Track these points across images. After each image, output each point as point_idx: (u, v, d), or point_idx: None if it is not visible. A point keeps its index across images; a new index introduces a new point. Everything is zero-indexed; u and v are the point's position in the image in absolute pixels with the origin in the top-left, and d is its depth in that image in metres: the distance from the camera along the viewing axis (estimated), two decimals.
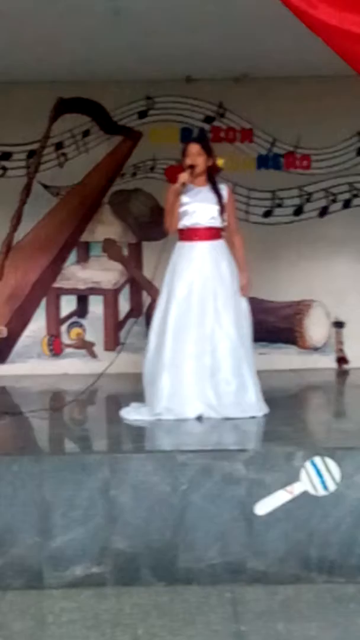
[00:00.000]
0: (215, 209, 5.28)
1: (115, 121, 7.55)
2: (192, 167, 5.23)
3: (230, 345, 5.19)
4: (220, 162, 5.41)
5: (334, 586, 4.08)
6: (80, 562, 4.13)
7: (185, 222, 5.28)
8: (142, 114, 7.56)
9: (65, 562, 4.12)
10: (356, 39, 4.06)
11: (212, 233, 5.29)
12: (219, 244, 5.32)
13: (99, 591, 4.04)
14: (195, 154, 5.26)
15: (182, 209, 5.26)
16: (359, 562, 4.15)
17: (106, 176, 7.59)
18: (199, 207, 5.27)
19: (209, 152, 5.31)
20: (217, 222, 5.29)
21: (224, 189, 5.38)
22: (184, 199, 5.27)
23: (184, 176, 5.20)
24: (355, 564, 4.15)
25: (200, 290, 5.22)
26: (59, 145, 7.59)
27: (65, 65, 6.78)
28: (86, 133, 7.59)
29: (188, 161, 5.26)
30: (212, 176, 5.36)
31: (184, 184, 5.20)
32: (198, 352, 5.16)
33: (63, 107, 7.50)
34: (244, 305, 5.34)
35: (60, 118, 7.53)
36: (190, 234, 5.30)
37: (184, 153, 5.31)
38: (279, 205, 7.60)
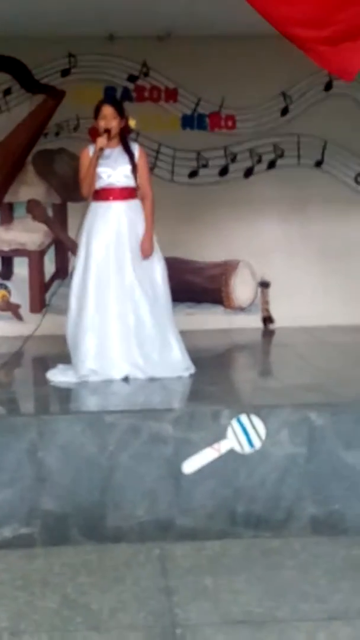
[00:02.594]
0: (128, 168, 5.26)
1: (38, 79, 7.41)
2: (108, 130, 5.19)
3: (150, 304, 5.21)
4: (132, 122, 5.39)
5: (260, 540, 4.17)
6: (9, 523, 4.13)
7: (100, 183, 5.25)
8: (65, 72, 7.44)
9: None
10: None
11: (127, 193, 5.28)
12: (134, 204, 5.30)
13: (28, 552, 4.06)
14: (109, 117, 5.22)
15: (97, 170, 5.22)
16: (284, 517, 4.25)
17: (29, 136, 7.46)
18: (112, 168, 5.25)
19: (121, 113, 5.28)
20: (131, 182, 5.27)
21: (136, 149, 5.36)
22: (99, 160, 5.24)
23: (102, 141, 5.17)
24: (281, 518, 4.25)
25: (118, 249, 5.21)
26: None
27: None
28: (7, 91, 7.44)
29: (102, 124, 5.21)
30: (124, 137, 5.34)
31: (101, 149, 5.17)
32: (120, 312, 5.16)
33: None
34: (161, 264, 5.34)
35: None
36: (105, 194, 5.27)
37: (96, 115, 5.26)
38: (204, 166, 7.59)
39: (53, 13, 6.43)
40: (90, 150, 5.26)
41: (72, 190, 7.22)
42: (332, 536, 4.22)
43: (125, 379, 5.12)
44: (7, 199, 7.53)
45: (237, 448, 4.23)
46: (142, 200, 5.33)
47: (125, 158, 5.28)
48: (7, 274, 7.59)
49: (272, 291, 7.69)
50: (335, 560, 3.95)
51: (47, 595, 3.59)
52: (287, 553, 4.03)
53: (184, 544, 4.12)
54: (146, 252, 5.24)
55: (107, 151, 5.24)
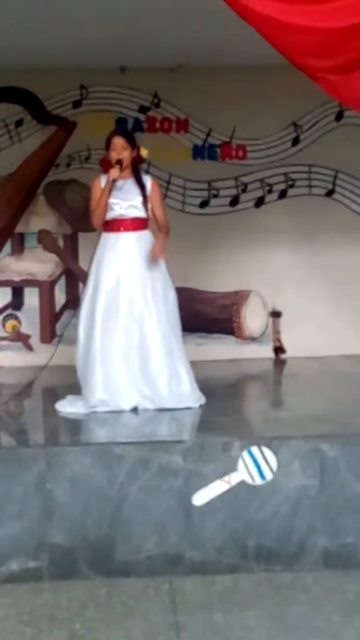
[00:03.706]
0: (139, 200, 5.25)
1: (49, 111, 7.46)
2: (119, 161, 5.20)
3: (161, 335, 5.18)
4: (144, 152, 5.39)
5: (271, 574, 4.10)
6: (16, 556, 4.08)
7: (111, 214, 5.25)
8: (77, 104, 7.48)
9: (1, 557, 4.07)
10: (290, 29, 4.07)
11: (138, 224, 5.27)
12: (145, 234, 5.30)
13: (36, 586, 4.01)
14: (120, 148, 5.22)
15: (108, 201, 5.22)
16: (296, 550, 4.19)
17: (40, 166, 7.49)
18: (124, 200, 5.24)
19: (133, 144, 5.28)
20: (142, 213, 5.26)
21: (148, 181, 5.36)
22: None
23: (115, 172, 5.17)
24: (292, 551, 4.18)
25: (128, 280, 5.20)
26: None
27: None
28: (19, 123, 7.48)
29: (114, 155, 5.22)
30: (136, 168, 5.34)
31: (114, 181, 5.17)
32: (127, 344, 5.14)
33: None
34: (172, 294, 5.32)
35: None
36: (116, 225, 5.26)
37: (107, 146, 5.27)
38: (215, 196, 7.60)
39: (65, 45, 6.48)
40: (102, 181, 5.26)
41: (82, 221, 7.20)
42: (344, 570, 4.14)
43: (135, 410, 5.08)
44: (18, 229, 7.55)
45: (248, 480, 4.18)
46: (158, 231, 5.31)
47: (136, 189, 5.29)
48: (18, 304, 7.58)
49: (283, 321, 7.66)
50: (348, 595, 3.88)
51: (54, 631, 3.54)
52: (299, 588, 3.97)
53: (193, 578, 4.06)
54: (155, 254, 5.17)
55: (119, 182, 5.24)
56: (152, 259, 5.20)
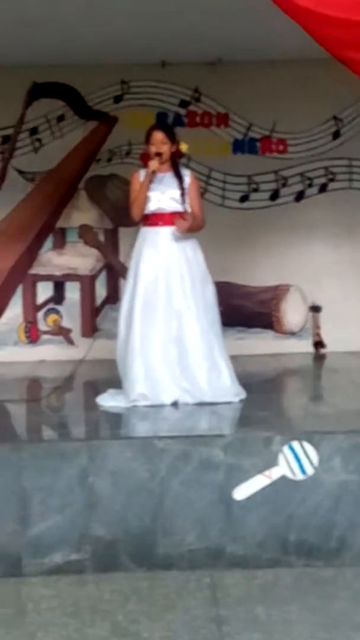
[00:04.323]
0: (177, 193, 5.26)
1: (90, 106, 7.51)
2: (159, 154, 5.21)
3: (199, 329, 5.18)
4: (184, 147, 5.39)
5: (312, 570, 4.09)
6: (59, 549, 4.12)
7: (150, 208, 5.26)
8: (118, 99, 7.52)
9: (44, 549, 4.11)
10: (331, 22, 4.04)
11: (176, 218, 5.28)
12: None
13: (78, 578, 4.04)
14: (159, 142, 5.23)
15: (147, 194, 5.24)
16: (337, 546, 4.17)
17: (82, 161, 7.55)
18: (163, 192, 5.25)
19: (172, 138, 5.30)
20: (180, 207, 5.27)
21: (187, 174, 5.36)
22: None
23: (154, 164, 5.18)
24: (333, 547, 4.17)
25: (167, 275, 5.20)
26: (33, 131, 7.54)
27: (40, 49, 6.71)
28: (61, 118, 7.54)
29: (153, 149, 5.23)
30: (175, 162, 5.35)
31: (153, 172, 5.19)
32: (166, 338, 5.15)
33: (37, 91, 7.45)
34: (211, 288, 5.32)
35: (35, 103, 7.48)
36: (154, 219, 5.27)
37: (147, 140, 5.28)
38: (255, 190, 7.59)
39: (106, 41, 6.51)
40: (141, 174, 5.28)
41: (123, 216, 7.22)
42: None
43: (175, 404, 5.10)
44: (60, 224, 7.61)
45: (289, 475, 4.18)
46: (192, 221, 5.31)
47: (175, 183, 5.29)
48: (59, 298, 7.65)
49: (323, 315, 7.64)
50: None
51: (97, 623, 3.57)
52: (340, 583, 3.96)
53: (234, 572, 4.07)
54: (179, 225, 5.13)
55: (158, 176, 5.25)
56: (178, 229, 5.17)
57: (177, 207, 5.26)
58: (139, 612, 3.65)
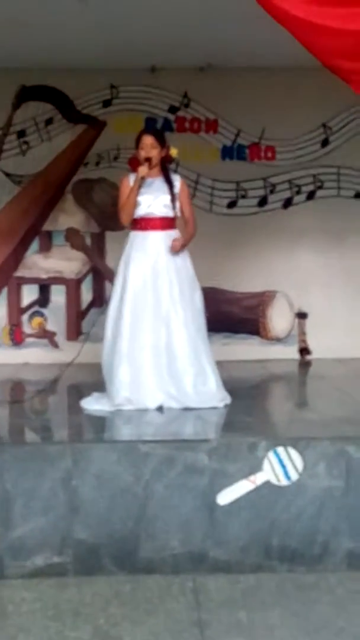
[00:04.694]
0: (167, 198, 5.26)
1: (79, 110, 7.49)
2: (148, 159, 5.22)
3: (187, 334, 5.19)
4: (173, 152, 5.40)
5: (295, 575, 4.10)
6: (41, 552, 4.10)
7: (139, 212, 5.26)
8: (106, 103, 7.51)
9: (26, 552, 4.10)
10: (321, 30, 4.05)
11: (166, 223, 5.28)
12: (173, 234, 5.30)
13: (60, 581, 4.02)
14: (149, 147, 5.24)
15: (137, 199, 5.24)
16: (320, 551, 4.18)
17: (69, 165, 7.53)
18: (152, 197, 5.26)
19: (162, 143, 5.30)
20: (170, 212, 5.28)
21: (177, 180, 5.37)
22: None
23: (143, 170, 5.19)
24: (316, 553, 4.18)
25: (155, 279, 5.20)
26: (21, 133, 7.52)
27: (29, 53, 6.69)
28: (49, 121, 7.53)
29: (143, 154, 5.24)
30: (165, 167, 5.35)
31: (143, 178, 5.19)
32: (154, 342, 5.15)
33: (26, 94, 7.43)
34: (199, 294, 5.33)
35: (23, 106, 7.46)
36: (143, 224, 5.28)
37: (137, 145, 5.29)
38: (243, 197, 7.60)
39: (96, 45, 6.51)
40: (131, 179, 5.28)
41: (110, 219, 7.27)
42: None
43: (160, 409, 5.09)
44: (46, 227, 7.59)
45: (274, 480, 4.18)
46: (185, 230, 5.32)
47: (165, 188, 5.29)
48: (44, 301, 7.63)
49: (309, 322, 7.65)
50: None
51: (78, 626, 3.56)
52: (323, 588, 3.96)
53: (217, 576, 4.07)
54: (175, 246, 5.18)
55: (147, 180, 5.25)
56: (172, 249, 5.20)
57: (167, 212, 5.27)
58: (121, 616, 3.65)
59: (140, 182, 5.21)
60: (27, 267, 7.58)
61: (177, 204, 5.30)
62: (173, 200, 5.28)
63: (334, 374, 6.78)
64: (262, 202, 7.61)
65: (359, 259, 7.55)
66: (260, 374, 6.95)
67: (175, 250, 5.19)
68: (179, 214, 5.32)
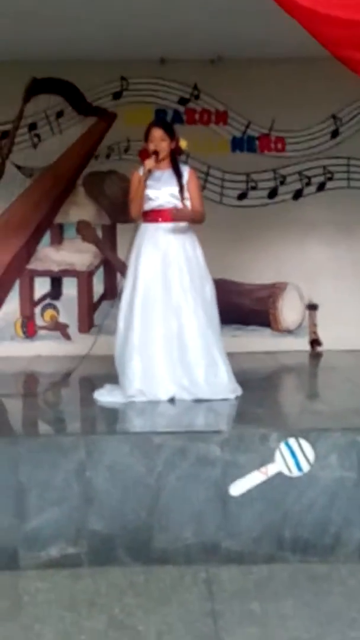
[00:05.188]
0: (176, 189, 5.27)
1: (90, 102, 7.52)
2: (156, 152, 5.23)
3: (198, 326, 5.20)
4: (183, 143, 5.40)
5: (307, 565, 4.11)
6: (56, 543, 4.13)
7: (149, 205, 5.27)
8: (117, 95, 7.53)
9: (41, 543, 4.13)
10: (331, 21, 4.06)
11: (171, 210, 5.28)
12: (183, 226, 5.31)
13: (75, 571, 4.05)
14: (158, 139, 5.25)
15: (146, 192, 5.25)
16: (332, 542, 4.20)
17: (80, 157, 7.56)
18: (162, 189, 5.27)
19: (171, 135, 5.31)
20: (179, 204, 5.28)
21: (186, 170, 5.38)
22: (148, 182, 5.26)
23: (149, 163, 5.20)
24: (328, 543, 4.19)
25: (166, 271, 5.22)
26: (32, 126, 7.55)
27: (39, 45, 6.72)
28: (60, 114, 7.55)
29: (152, 146, 5.25)
30: (174, 159, 5.36)
31: (149, 171, 5.21)
32: (166, 334, 5.16)
33: (36, 87, 7.45)
34: (210, 286, 5.34)
35: (34, 98, 7.48)
36: (154, 216, 5.29)
37: (146, 137, 5.30)
38: (254, 188, 7.61)
39: (106, 37, 6.52)
40: (140, 171, 5.29)
41: (121, 212, 7.26)
42: None
43: (172, 400, 5.12)
44: (58, 219, 7.62)
45: (285, 471, 4.20)
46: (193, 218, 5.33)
47: (174, 180, 5.31)
48: (56, 294, 7.66)
49: (320, 314, 7.66)
50: None
51: (93, 616, 3.59)
52: (335, 579, 3.98)
53: (230, 567, 4.09)
54: (172, 213, 5.18)
55: (157, 173, 5.27)
56: (172, 212, 5.20)
57: (176, 203, 5.28)
58: (135, 606, 3.67)
59: (147, 175, 5.22)
60: (39, 260, 7.62)
61: (186, 194, 5.31)
62: (181, 191, 5.29)
63: (345, 366, 6.79)
64: (272, 193, 7.62)
65: None
66: (271, 365, 6.97)
67: (173, 216, 5.18)
68: (188, 204, 5.32)
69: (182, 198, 5.28)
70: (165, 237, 5.27)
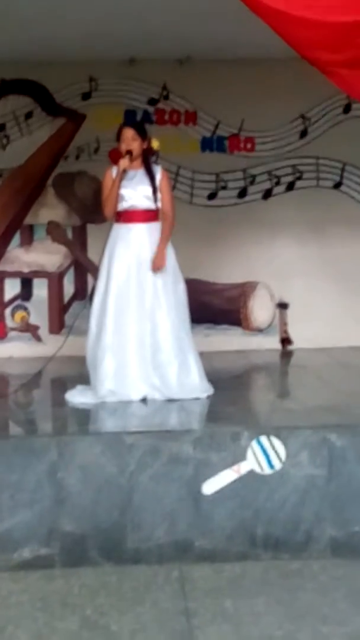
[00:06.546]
0: (149, 190, 5.28)
1: (59, 103, 7.49)
2: (129, 152, 5.23)
3: (171, 326, 5.22)
4: (155, 143, 5.41)
5: (279, 562, 4.15)
6: (28, 544, 4.13)
7: (122, 205, 5.28)
8: (86, 96, 7.51)
9: (13, 544, 4.12)
10: (301, 23, 4.09)
11: (149, 215, 5.29)
12: (156, 226, 5.31)
13: (47, 573, 4.05)
14: (130, 139, 5.25)
15: (120, 192, 5.25)
16: (304, 539, 4.23)
17: (50, 158, 7.53)
18: (135, 190, 5.27)
19: (143, 135, 5.31)
20: (152, 204, 5.30)
21: (158, 171, 5.38)
22: (122, 182, 5.26)
23: (124, 163, 5.20)
24: (300, 540, 4.23)
25: (139, 272, 5.23)
26: (1, 127, 7.50)
27: (7, 46, 6.68)
28: (29, 115, 7.51)
29: (124, 146, 5.25)
30: (147, 159, 5.37)
31: (124, 171, 5.21)
32: (139, 334, 5.17)
33: (5, 88, 7.42)
34: (182, 286, 5.36)
35: (3, 99, 7.45)
36: (127, 217, 5.29)
37: (118, 137, 5.30)
38: (223, 188, 7.63)
39: (74, 37, 6.50)
40: (114, 171, 5.29)
41: (91, 212, 7.29)
42: (352, 559, 4.18)
43: (144, 400, 5.12)
44: (27, 220, 7.58)
45: (257, 469, 4.22)
46: (162, 221, 5.34)
47: (147, 180, 5.31)
48: (27, 295, 7.63)
49: (290, 312, 7.69)
50: (356, 583, 3.92)
51: (66, 616, 3.59)
52: (307, 575, 4.01)
53: (203, 565, 4.11)
54: (157, 265, 5.21)
55: (130, 173, 5.27)
56: (155, 269, 5.22)
57: (149, 204, 5.28)
58: (108, 606, 3.68)
59: (122, 175, 5.23)
60: (9, 262, 7.58)
61: (159, 195, 5.32)
62: (155, 192, 5.30)
63: (315, 364, 6.83)
64: (242, 193, 7.64)
65: (339, 248, 7.60)
66: (242, 364, 6.99)
67: (159, 266, 5.20)
68: (160, 205, 5.33)
69: (155, 199, 5.29)
70: (138, 237, 5.27)
